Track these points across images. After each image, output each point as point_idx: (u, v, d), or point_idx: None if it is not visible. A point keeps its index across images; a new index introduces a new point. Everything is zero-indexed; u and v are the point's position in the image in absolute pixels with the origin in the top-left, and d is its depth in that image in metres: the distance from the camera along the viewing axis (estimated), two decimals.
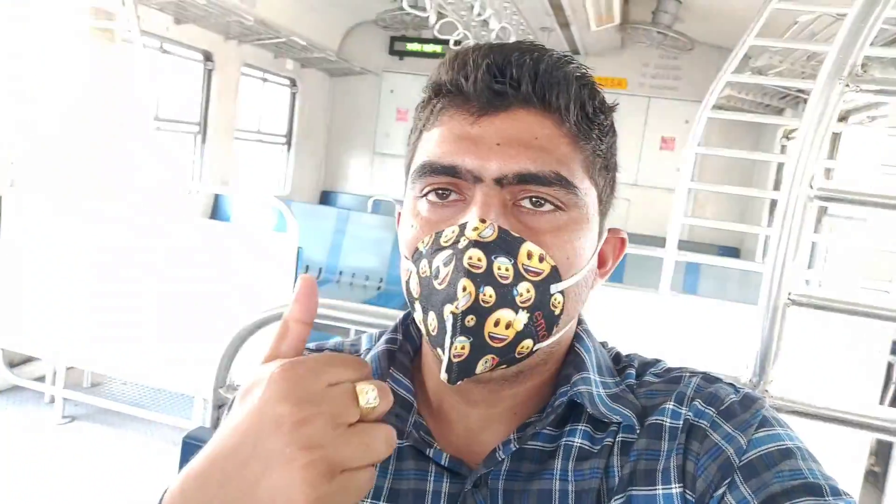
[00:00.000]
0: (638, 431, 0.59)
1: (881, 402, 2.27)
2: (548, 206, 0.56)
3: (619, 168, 0.65)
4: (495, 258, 0.52)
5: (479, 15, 3.84)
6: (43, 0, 3.25)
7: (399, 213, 0.67)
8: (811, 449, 0.55)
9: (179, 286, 3.01)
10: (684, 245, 5.16)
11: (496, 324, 0.52)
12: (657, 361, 0.67)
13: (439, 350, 0.54)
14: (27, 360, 3.43)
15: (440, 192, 0.57)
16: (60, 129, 3.44)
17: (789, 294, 1.10)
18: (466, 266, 0.52)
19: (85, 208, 3.13)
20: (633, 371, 0.65)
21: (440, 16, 4.07)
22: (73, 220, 3.12)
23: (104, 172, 3.68)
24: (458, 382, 0.53)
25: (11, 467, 2.76)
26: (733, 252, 6.47)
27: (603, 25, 5.10)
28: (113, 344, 3.08)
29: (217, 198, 5.77)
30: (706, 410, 0.58)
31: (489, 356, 0.53)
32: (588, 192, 0.58)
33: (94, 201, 3.25)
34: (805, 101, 4.72)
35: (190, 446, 1.31)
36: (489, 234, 0.53)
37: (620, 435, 0.59)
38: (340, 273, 5.45)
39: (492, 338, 0.52)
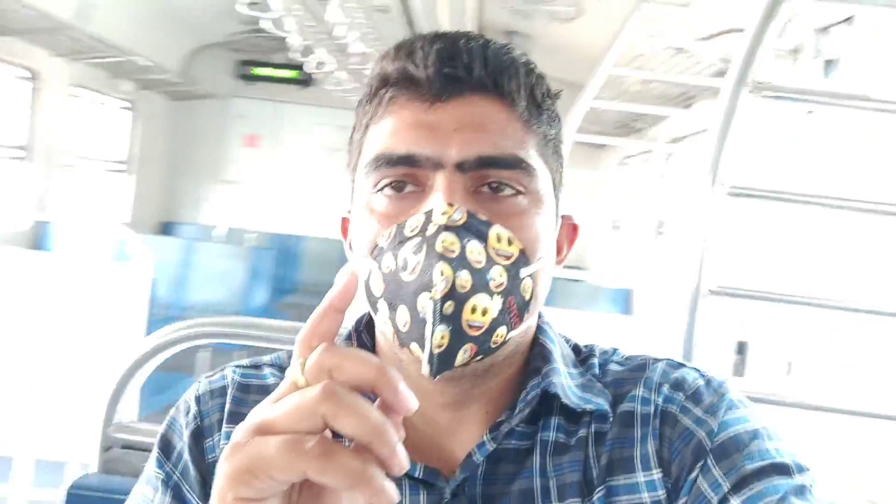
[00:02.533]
0: (611, 420, 0.59)
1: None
2: (508, 191, 0.56)
3: None
4: (467, 242, 0.51)
5: (341, 38, 3.83)
6: None
7: (343, 220, 0.66)
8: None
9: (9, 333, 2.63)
10: None
11: (473, 310, 0.51)
12: (615, 350, 0.68)
13: (413, 346, 0.51)
14: None
15: (395, 185, 0.56)
16: None
17: (709, 286, 1.16)
18: (440, 251, 0.50)
19: None
20: (595, 361, 0.65)
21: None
22: None
23: None
24: (438, 377, 0.51)
25: None
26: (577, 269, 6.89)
27: None
28: None
29: (40, 227, 5.19)
30: (674, 395, 0.59)
31: (468, 345, 0.51)
32: (544, 175, 0.58)
33: None
34: (638, 128, 5.18)
35: (77, 498, 1.13)
36: (458, 217, 0.52)
37: (594, 425, 0.59)
38: (186, 308, 5.09)
39: (469, 325, 0.51)
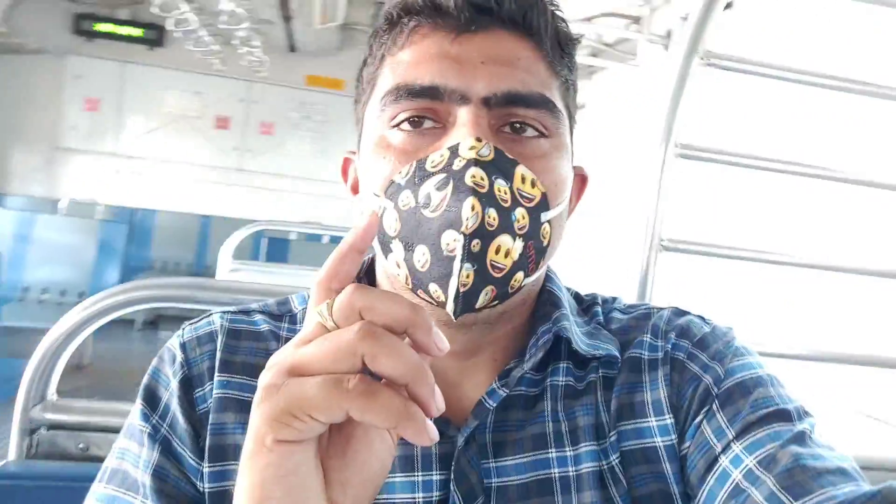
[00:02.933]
0: (618, 366, 0.60)
1: None
2: (530, 132, 0.54)
3: None
4: (495, 179, 0.49)
5: None
6: None
7: (345, 160, 0.63)
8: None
9: None
10: None
11: (497, 251, 0.49)
12: (615, 298, 0.68)
13: (432, 287, 0.49)
14: None
15: (413, 120, 0.53)
16: None
17: (661, 240, 1.24)
18: (470, 184, 0.48)
19: None
20: (598, 309, 0.66)
21: None
22: None
23: None
24: (461, 316, 0.49)
25: None
26: None
27: (325, 24, 5.11)
28: None
29: None
30: (681, 342, 0.60)
31: (489, 287, 0.49)
32: (563, 119, 0.57)
33: None
34: None
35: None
36: (487, 153, 0.50)
37: (602, 370, 0.60)
38: (26, 289, 4.56)
39: (493, 266, 0.49)
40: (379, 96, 0.55)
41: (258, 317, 0.63)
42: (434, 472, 0.55)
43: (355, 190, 0.61)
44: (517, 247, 0.50)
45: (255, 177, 6.48)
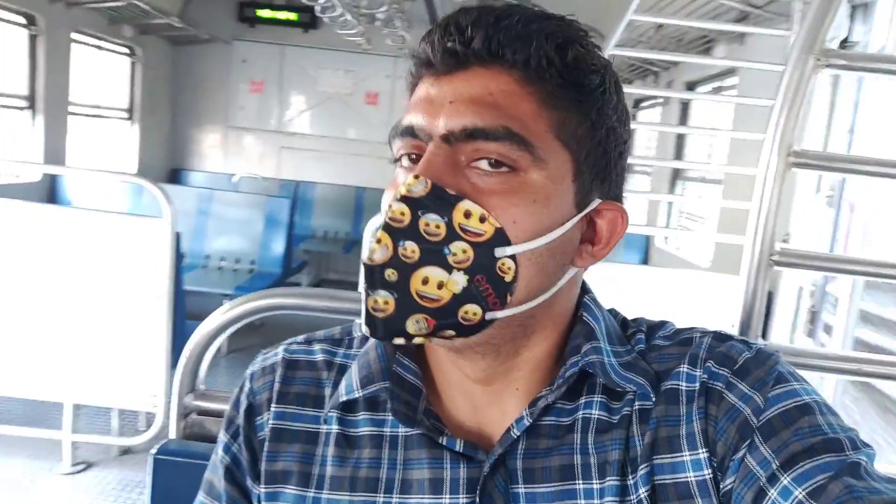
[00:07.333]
0: (654, 398, 0.58)
1: None
2: (504, 168, 0.53)
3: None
4: (423, 214, 0.52)
5: None
6: None
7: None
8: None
9: (45, 284, 2.68)
10: None
11: (424, 282, 0.52)
12: (664, 324, 0.65)
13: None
14: None
15: (411, 156, 0.57)
16: None
17: (771, 255, 1.19)
18: (387, 220, 0.52)
19: None
20: (642, 336, 0.63)
21: None
22: None
23: None
24: (392, 340, 0.53)
25: None
26: None
27: None
28: None
29: (54, 180, 5.17)
30: (720, 371, 0.57)
31: (420, 316, 0.52)
32: (556, 154, 0.55)
33: None
34: (653, 71, 5.08)
35: (162, 462, 1.18)
36: (419, 189, 0.52)
37: (637, 403, 0.58)
38: (207, 257, 5.11)
39: (420, 296, 0.52)
40: None
41: (317, 346, 0.67)
42: (461, 496, 0.57)
43: None
44: (456, 279, 0.52)
45: None
